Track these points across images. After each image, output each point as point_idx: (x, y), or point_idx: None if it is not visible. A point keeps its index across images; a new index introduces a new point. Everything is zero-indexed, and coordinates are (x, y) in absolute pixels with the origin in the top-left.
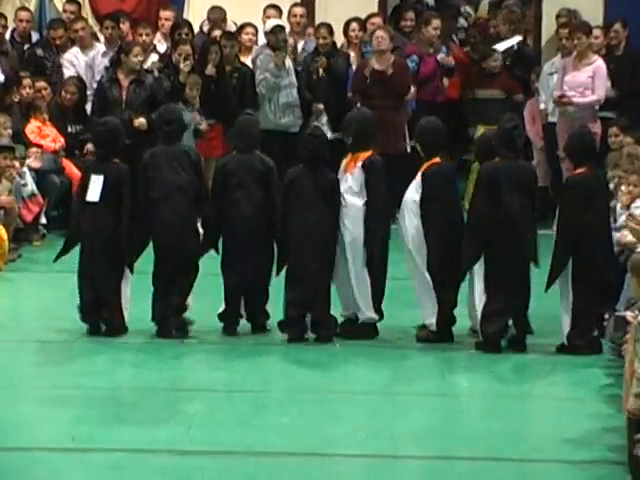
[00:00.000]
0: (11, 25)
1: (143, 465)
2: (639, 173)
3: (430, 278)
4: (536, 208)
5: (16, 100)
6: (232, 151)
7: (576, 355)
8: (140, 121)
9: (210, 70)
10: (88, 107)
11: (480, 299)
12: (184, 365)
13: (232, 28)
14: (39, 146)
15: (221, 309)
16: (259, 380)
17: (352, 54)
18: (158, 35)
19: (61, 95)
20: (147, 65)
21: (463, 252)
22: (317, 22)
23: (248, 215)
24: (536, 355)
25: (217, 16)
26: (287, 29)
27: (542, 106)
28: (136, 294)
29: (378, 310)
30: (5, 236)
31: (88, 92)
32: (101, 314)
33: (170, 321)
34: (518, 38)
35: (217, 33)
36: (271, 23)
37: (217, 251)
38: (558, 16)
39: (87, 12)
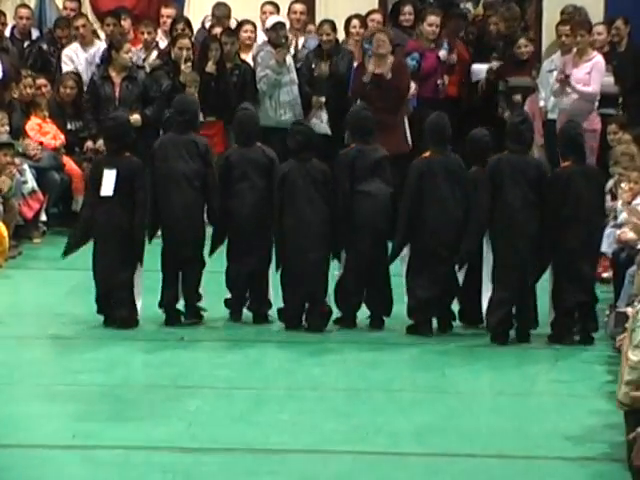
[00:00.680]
0: (10, 22)
1: (144, 462)
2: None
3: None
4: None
5: (15, 96)
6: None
7: (561, 345)
8: (135, 118)
9: (210, 67)
10: None
11: (487, 291)
12: (184, 362)
13: (232, 25)
14: (39, 143)
15: (226, 296)
16: (259, 377)
17: (353, 50)
18: (160, 32)
19: (59, 91)
20: (150, 62)
21: (463, 242)
22: (317, 19)
23: (251, 206)
24: (537, 352)
25: (222, 12)
26: (287, 26)
27: (542, 103)
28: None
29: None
30: (5, 233)
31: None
32: (113, 307)
33: (186, 310)
34: (493, 64)
35: (217, 30)
36: (272, 20)
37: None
38: (563, 12)
39: (87, 9)
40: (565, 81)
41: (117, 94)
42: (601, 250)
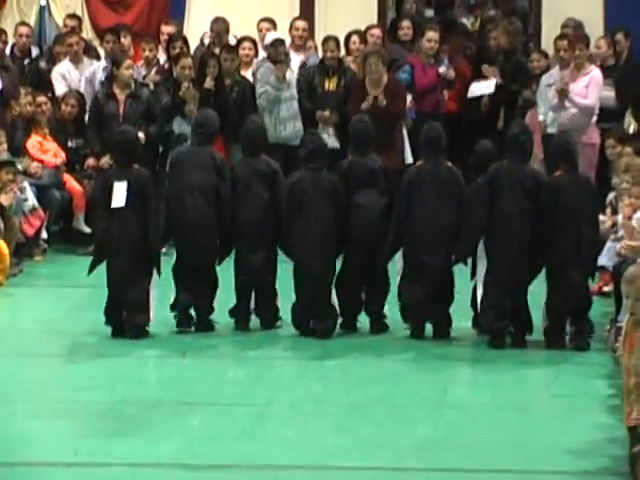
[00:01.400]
0: (11, 40)
1: (147, 479)
2: None
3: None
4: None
5: (16, 113)
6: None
7: (554, 350)
8: (139, 136)
9: (209, 84)
10: None
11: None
12: (187, 379)
13: (232, 41)
14: (40, 161)
15: (232, 305)
16: (261, 393)
17: (352, 66)
18: (160, 49)
19: (61, 109)
20: (150, 78)
21: (457, 246)
22: (317, 35)
23: (255, 216)
24: (538, 366)
25: (220, 27)
26: (287, 42)
27: (541, 118)
28: None
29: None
30: (6, 251)
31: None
32: (127, 317)
33: (197, 321)
34: (494, 81)
35: (217, 49)
36: (271, 36)
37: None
38: (564, 26)
39: (87, 26)
40: (563, 93)
41: (121, 111)
42: (602, 264)
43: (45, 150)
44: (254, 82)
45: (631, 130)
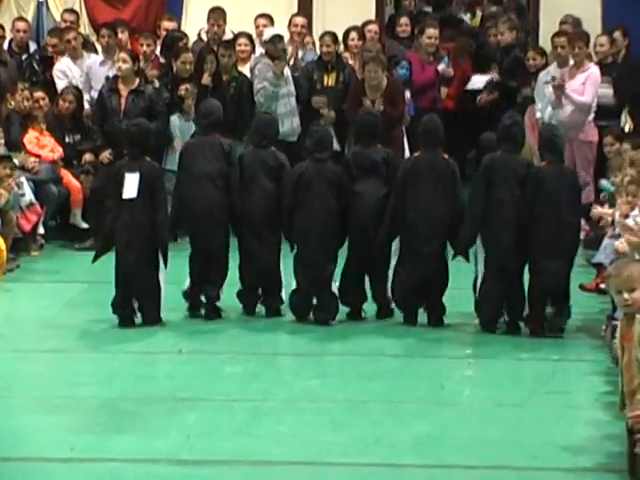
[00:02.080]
0: (9, 35)
1: (142, 474)
2: (638, 183)
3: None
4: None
5: (11, 107)
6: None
7: (535, 338)
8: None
9: (206, 79)
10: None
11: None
12: (183, 375)
13: (228, 36)
14: (37, 156)
15: (239, 289)
16: (258, 389)
17: (351, 62)
18: (159, 45)
19: (58, 105)
20: (148, 73)
21: (459, 235)
22: (315, 31)
23: (260, 205)
24: (535, 363)
25: (217, 15)
26: (285, 38)
27: (538, 115)
28: None
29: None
30: (3, 246)
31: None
32: (137, 307)
33: (206, 307)
34: (489, 77)
35: (216, 29)
36: (269, 32)
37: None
38: (563, 23)
39: (84, 22)
40: (559, 89)
41: (123, 107)
42: (599, 261)
43: (42, 145)
44: (252, 78)
45: (627, 128)
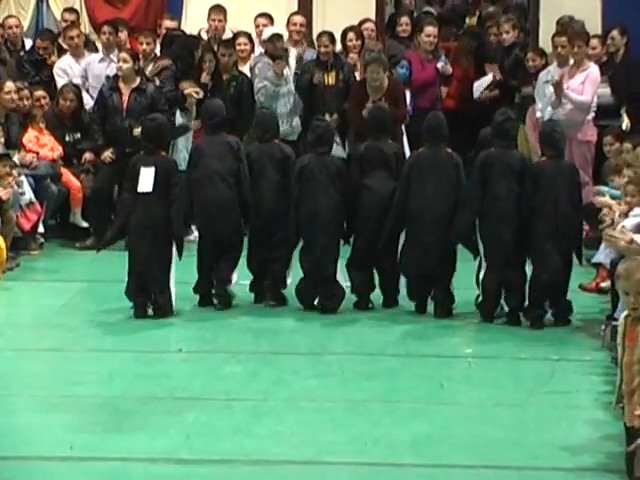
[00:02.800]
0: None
1: (142, 474)
2: (635, 183)
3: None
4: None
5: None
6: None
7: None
8: (139, 130)
9: (205, 78)
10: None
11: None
12: (182, 374)
13: (229, 36)
14: (36, 153)
15: (249, 281)
16: (257, 389)
17: (350, 61)
18: (159, 44)
19: (58, 103)
20: (148, 72)
21: (455, 227)
22: (315, 30)
23: (268, 198)
24: (534, 362)
25: (218, 13)
26: (285, 37)
27: (538, 114)
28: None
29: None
30: (3, 245)
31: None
32: (151, 298)
33: (215, 293)
34: (490, 77)
35: (217, 24)
36: (268, 32)
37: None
38: (559, 23)
39: (84, 20)
40: (558, 87)
41: (124, 105)
42: (599, 260)
43: (42, 144)
44: (252, 77)
45: (624, 127)
